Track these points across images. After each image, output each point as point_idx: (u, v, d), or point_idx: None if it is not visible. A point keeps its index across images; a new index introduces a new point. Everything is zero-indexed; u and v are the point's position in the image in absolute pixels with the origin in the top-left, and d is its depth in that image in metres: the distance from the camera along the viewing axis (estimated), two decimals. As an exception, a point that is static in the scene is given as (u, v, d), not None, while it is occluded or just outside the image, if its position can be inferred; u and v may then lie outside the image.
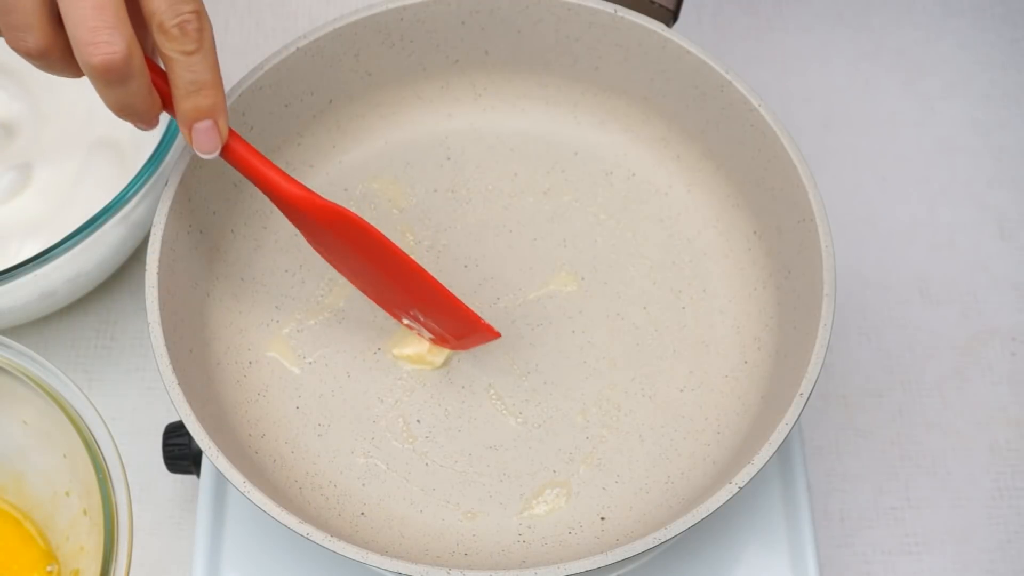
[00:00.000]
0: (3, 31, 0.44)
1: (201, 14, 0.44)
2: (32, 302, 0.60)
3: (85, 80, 0.65)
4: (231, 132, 0.48)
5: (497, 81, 0.61)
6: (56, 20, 0.44)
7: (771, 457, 0.47)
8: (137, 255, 0.65)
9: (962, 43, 0.75)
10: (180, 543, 0.60)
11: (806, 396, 0.48)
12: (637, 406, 0.54)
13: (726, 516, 0.55)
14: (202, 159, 0.54)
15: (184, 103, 0.46)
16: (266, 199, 0.58)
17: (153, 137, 0.63)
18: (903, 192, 0.70)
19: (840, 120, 0.72)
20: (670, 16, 0.59)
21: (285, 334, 0.56)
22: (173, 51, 0.44)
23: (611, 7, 0.57)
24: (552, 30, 0.58)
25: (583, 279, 0.57)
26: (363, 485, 0.52)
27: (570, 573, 0.45)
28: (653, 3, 0.59)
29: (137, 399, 0.63)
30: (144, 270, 0.51)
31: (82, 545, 0.52)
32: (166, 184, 0.53)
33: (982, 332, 0.66)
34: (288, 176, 0.50)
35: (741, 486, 0.46)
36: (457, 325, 0.53)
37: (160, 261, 0.51)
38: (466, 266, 0.57)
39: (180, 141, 0.60)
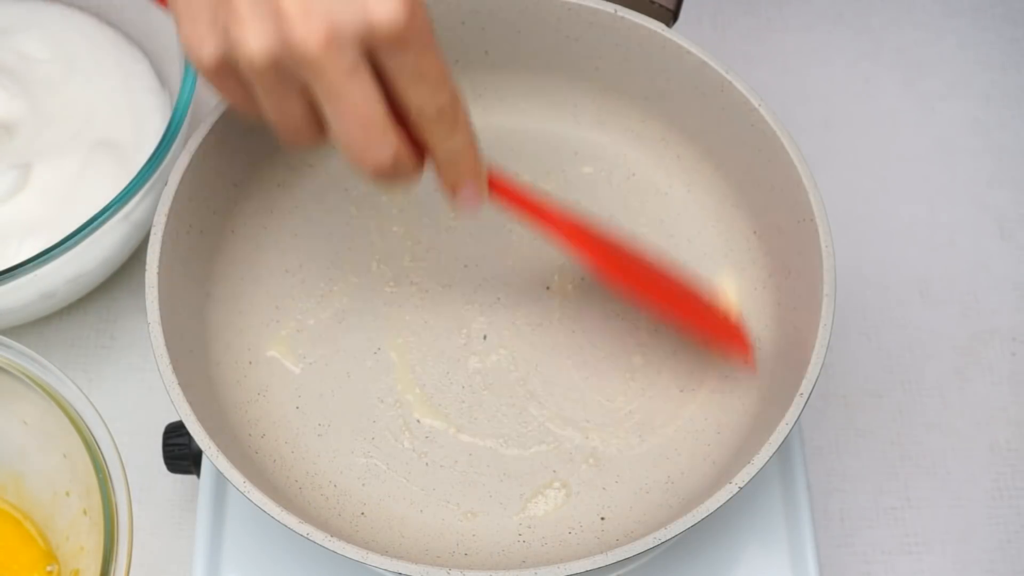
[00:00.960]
0: (278, 132, 0.46)
1: (456, 97, 0.46)
2: (32, 302, 0.60)
3: (85, 79, 0.66)
4: (489, 179, 0.50)
5: (497, 81, 0.61)
6: (322, 123, 0.45)
7: (771, 457, 0.47)
8: (137, 255, 0.65)
9: (962, 43, 0.75)
10: (180, 543, 0.60)
11: (806, 396, 0.48)
12: (637, 406, 0.54)
13: (726, 516, 0.55)
14: (202, 159, 0.54)
15: (446, 174, 0.48)
16: (266, 198, 0.58)
17: (153, 137, 0.64)
18: (903, 192, 0.70)
19: (840, 120, 0.72)
20: (670, 16, 0.59)
21: (285, 334, 0.56)
22: (434, 135, 0.46)
23: (611, 7, 0.57)
24: (552, 30, 0.58)
25: (583, 279, 0.57)
26: (363, 485, 0.52)
27: (570, 573, 0.45)
28: (653, 3, 0.59)
29: (137, 399, 0.63)
30: (144, 270, 0.51)
31: (82, 545, 0.52)
32: (166, 184, 0.53)
33: (982, 332, 0.66)
34: (554, 208, 0.51)
35: (741, 486, 0.46)
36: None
37: (160, 261, 0.51)
38: (466, 266, 0.57)
39: (180, 141, 0.60)
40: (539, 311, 0.56)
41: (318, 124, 0.46)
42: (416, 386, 0.55)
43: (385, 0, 0.42)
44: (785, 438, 0.47)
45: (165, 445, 0.57)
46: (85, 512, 0.52)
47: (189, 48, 0.44)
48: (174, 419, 0.59)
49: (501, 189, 0.50)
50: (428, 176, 0.59)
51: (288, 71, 0.43)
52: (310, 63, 0.42)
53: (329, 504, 0.52)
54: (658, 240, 0.58)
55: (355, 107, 0.43)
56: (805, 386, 0.48)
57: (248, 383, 0.54)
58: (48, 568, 0.55)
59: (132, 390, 0.64)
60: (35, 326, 0.65)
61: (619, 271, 0.53)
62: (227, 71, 0.44)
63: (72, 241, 0.57)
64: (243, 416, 0.53)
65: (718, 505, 0.46)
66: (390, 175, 0.46)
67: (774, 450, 0.47)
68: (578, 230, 0.52)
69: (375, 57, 0.43)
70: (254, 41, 0.42)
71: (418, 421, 0.54)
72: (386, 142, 0.44)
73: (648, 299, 0.53)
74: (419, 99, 0.44)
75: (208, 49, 0.43)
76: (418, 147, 0.47)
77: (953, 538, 0.61)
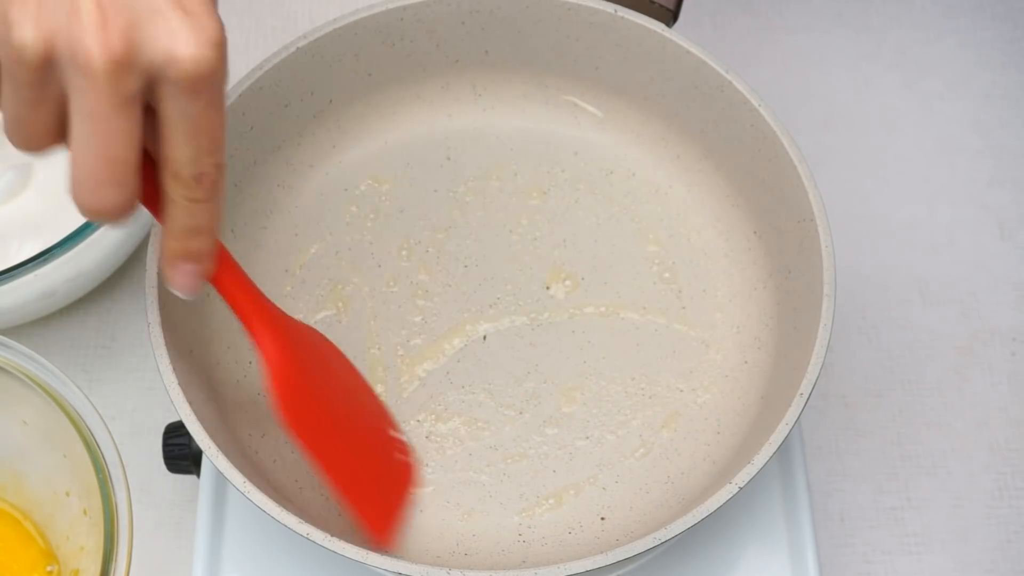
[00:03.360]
0: (9, 127, 0.40)
1: (221, 168, 0.41)
2: (32, 302, 0.60)
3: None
4: (219, 262, 0.45)
5: (497, 81, 0.61)
6: (63, 134, 0.40)
7: (771, 457, 0.47)
8: (137, 255, 0.65)
9: (962, 43, 0.75)
10: (180, 543, 0.60)
11: (806, 396, 0.48)
12: (637, 406, 0.54)
13: (726, 516, 0.55)
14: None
15: (175, 243, 0.42)
16: (266, 198, 0.58)
17: (153, 137, 0.63)
18: (903, 192, 0.70)
19: (840, 120, 0.72)
20: (670, 16, 0.59)
21: (285, 334, 0.56)
22: (180, 196, 0.41)
23: (611, 7, 0.57)
24: (552, 30, 0.58)
25: (583, 279, 0.57)
26: (363, 485, 0.52)
27: (570, 573, 0.45)
28: (653, 3, 0.59)
29: (137, 399, 0.63)
30: (144, 270, 0.51)
31: (82, 545, 0.52)
32: (166, 184, 0.52)
33: (982, 332, 0.66)
34: (268, 313, 0.48)
35: (741, 486, 0.46)
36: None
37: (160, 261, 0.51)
38: (466, 266, 0.57)
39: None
40: (539, 311, 0.56)
41: (59, 134, 0.39)
42: (416, 386, 0.55)
43: (195, 37, 0.37)
44: (785, 438, 0.47)
45: (165, 445, 0.57)
46: (85, 512, 0.52)
47: None
48: (174, 419, 0.59)
49: (226, 280, 0.46)
50: (428, 178, 0.60)
51: (54, 74, 0.37)
52: (86, 77, 0.36)
53: (329, 504, 0.52)
54: (658, 240, 0.58)
55: (110, 141, 0.38)
56: (805, 386, 0.48)
57: (248, 383, 0.54)
58: (48, 568, 0.55)
59: (132, 390, 0.64)
60: (35, 326, 0.65)
61: (298, 405, 0.48)
62: None
63: (72, 241, 0.57)
64: (243, 416, 0.53)
65: (718, 505, 0.46)
66: (104, 219, 0.40)
67: (774, 450, 0.47)
68: (277, 346, 0.48)
69: (155, 91, 0.38)
70: (30, 32, 0.36)
71: (417, 421, 0.54)
72: (120, 190, 0.39)
73: (312, 451, 0.49)
74: (183, 155, 0.39)
75: None
76: (152, 191, 0.42)
77: (953, 538, 0.61)
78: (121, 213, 0.40)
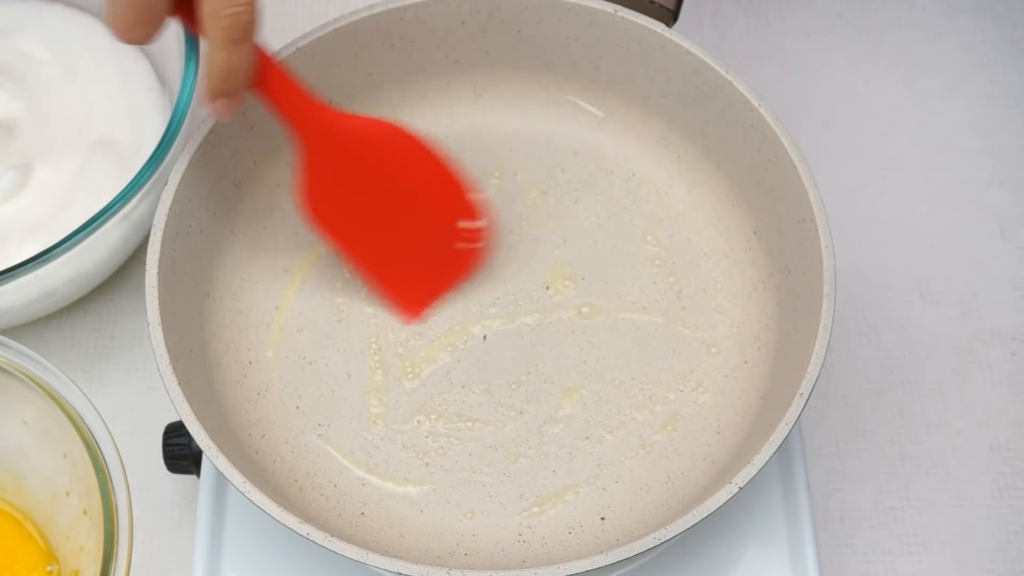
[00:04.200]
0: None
1: (252, 6, 0.46)
2: (32, 302, 0.60)
3: (85, 79, 0.66)
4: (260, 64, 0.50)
5: (497, 81, 0.61)
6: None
7: (771, 457, 0.47)
8: (137, 255, 0.65)
9: (962, 43, 0.75)
10: (180, 543, 0.60)
11: (806, 396, 0.48)
12: (637, 406, 0.54)
13: (726, 516, 0.55)
14: (202, 159, 0.54)
15: (215, 84, 0.48)
16: (266, 198, 0.58)
17: (153, 137, 0.64)
18: (903, 192, 0.70)
19: (840, 120, 0.72)
20: (670, 16, 0.59)
21: (286, 334, 0.56)
22: (217, 37, 0.46)
23: (611, 7, 0.57)
24: (552, 30, 0.58)
25: (583, 279, 0.57)
26: (363, 485, 0.52)
27: (570, 573, 0.45)
28: (653, 3, 0.59)
29: (137, 399, 0.63)
30: (144, 270, 0.51)
31: (82, 545, 0.52)
32: (166, 184, 0.53)
33: (982, 332, 0.66)
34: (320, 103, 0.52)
35: (741, 486, 0.46)
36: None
37: (160, 261, 0.51)
38: (466, 266, 0.57)
39: (180, 141, 0.60)
40: (539, 311, 0.56)
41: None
42: (416, 386, 0.55)
43: None
44: (785, 438, 0.47)
45: (165, 445, 0.57)
46: (85, 512, 0.52)
47: None
48: (174, 419, 0.59)
49: (266, 89, 0.51)
50: (428, 176, 0.59)
51: None
52: None
53: (329, 504, 0.52)
54: (658, 240, 0.58)
55: None
56: (805, 386, 0.48)
57: (248, 383, 0.54)
58: (48, 568, 0.55)
59: (132, 390, 0.64)
60: (35, 326, 0.65)
61: (325, 197, 0.54)
62: None
63: (72, 241, 0.57)
64: (243, 416, 0.53)
65: (718, 505, 0.46)
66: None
67: (774, 450, 0.47)
68: (309, 141, 0.52)
69: None
70: None
71: (418, 421, 0.54)
72: (148, 28, 0.46)
73: (336, 240, 0.55)
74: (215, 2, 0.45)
75: None
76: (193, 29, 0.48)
77: (953, 538, 0.61)
78: (148, 41, 0.47)
